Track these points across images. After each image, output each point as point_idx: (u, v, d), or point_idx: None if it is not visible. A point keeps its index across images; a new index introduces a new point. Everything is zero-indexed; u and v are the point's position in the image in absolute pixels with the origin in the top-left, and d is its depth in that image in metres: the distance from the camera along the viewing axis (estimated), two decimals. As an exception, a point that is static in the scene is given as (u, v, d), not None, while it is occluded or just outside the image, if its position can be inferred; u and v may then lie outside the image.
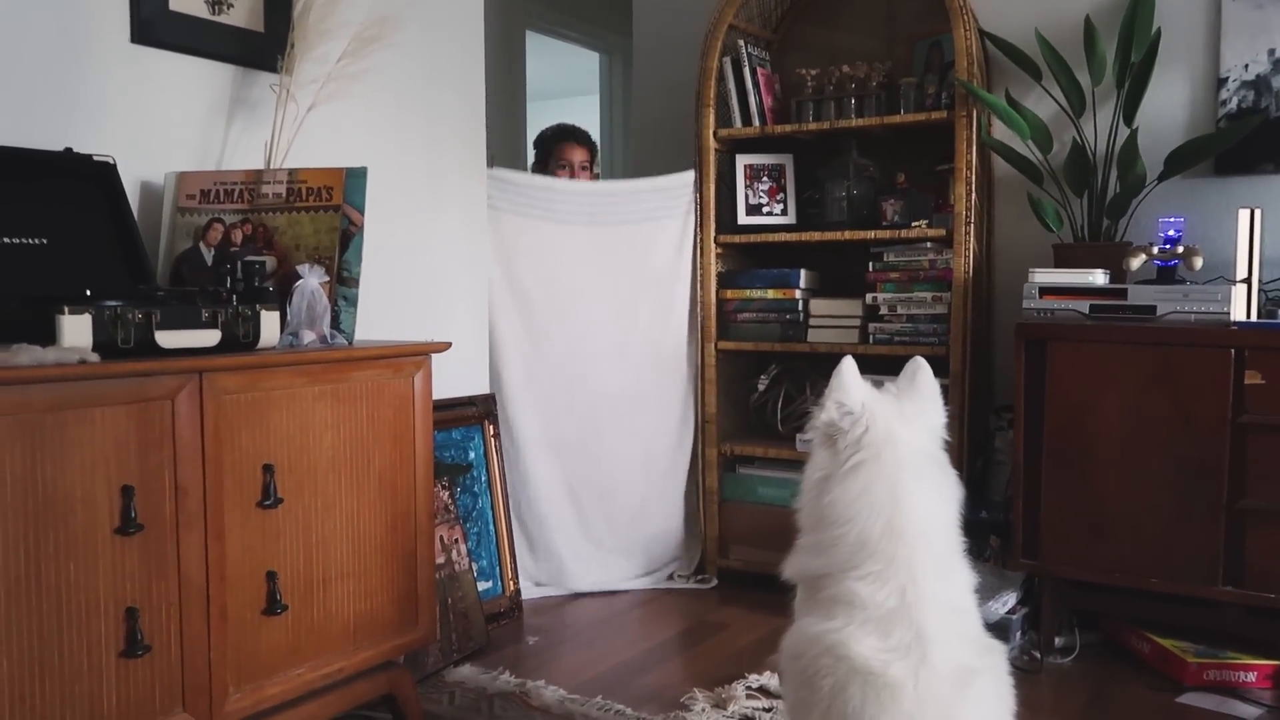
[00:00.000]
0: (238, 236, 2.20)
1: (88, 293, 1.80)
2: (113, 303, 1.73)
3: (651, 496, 3.40)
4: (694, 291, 3.39)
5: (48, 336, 1.65)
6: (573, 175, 3.51)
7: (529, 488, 3.22)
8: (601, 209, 3.28)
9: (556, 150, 3.53)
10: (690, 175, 3.37)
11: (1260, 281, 2.67)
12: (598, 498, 3.33)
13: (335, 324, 2.14)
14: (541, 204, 3.20)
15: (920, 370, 1.78)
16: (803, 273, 3.33)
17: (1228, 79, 2.91)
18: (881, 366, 3.13)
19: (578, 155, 3.52)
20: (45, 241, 1.94)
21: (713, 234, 3.37)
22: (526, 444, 3.20)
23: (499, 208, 3.12)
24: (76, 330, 1.67)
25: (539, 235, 3.19)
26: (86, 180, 2.04)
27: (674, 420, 3.40)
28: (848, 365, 1.74)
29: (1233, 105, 2.91)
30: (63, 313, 1.65)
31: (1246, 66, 2.89)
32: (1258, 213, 2.64)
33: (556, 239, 3.22)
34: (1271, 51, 2.85)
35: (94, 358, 1.64)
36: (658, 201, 3.33)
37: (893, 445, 1.68)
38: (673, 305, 3.37)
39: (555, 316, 3.23)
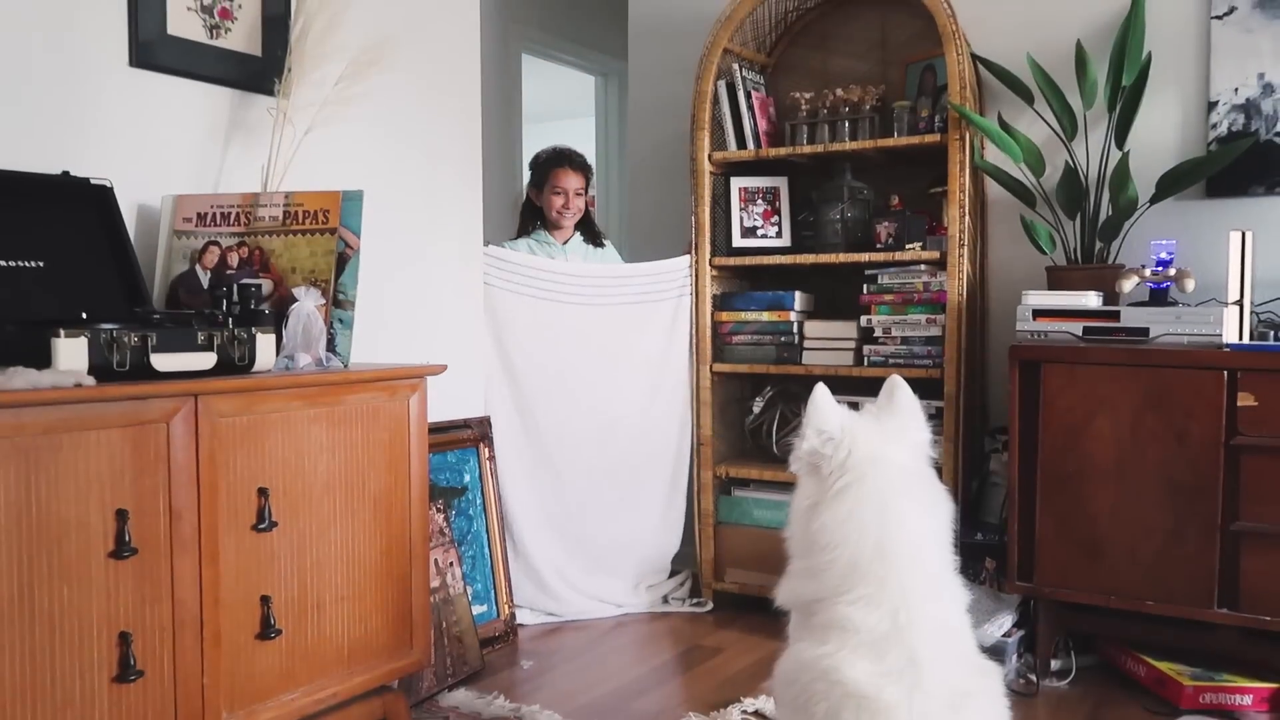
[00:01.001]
0: (234, 259, 2.21)
1: (84, 316, 1.80)
2: (109, 326, 1.73)
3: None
4: (691, 374, 3.42)
5: (43, 359, 1.65)
6: (567, 202, 3.52)
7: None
8: (596, 291, 3.31)
9: (551, 176, 3.54)
10: (685, 260, 3.40)
11: (1252, 304, 2.69)
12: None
13: (331, 347, 2.14)
14: (535, 283, 3.24)
15: (898, 388, 1.79)
16: (797, 295, 3.34)
17: (1218, 102, 2.94)
18: (876, 389, 3.13)
19: (573, 182, 3.53)
20: (42, 264, 1.94)
21: (708, 257, 3.39)
22: (518, 520, 3.21)
23: (493, 284, 3.16)
24: (72, 353, 1.67)
25: (532, 313, 3.23)
26: (83, 203, 2.05)
27: (663, 486, 3.42)
28: (821, 393, 1.75)
29: (1223, 128, 2.93)
30: (58, 336, 1.66)
31: (1236, 90, 2.91)
32: (1249, 235, 2.65)
33: (549, 317, 3.25)
34: (1261, 75, 2.88)
35: (89, 381, 1.64)
36: (651, 285, 3.37)
37: (877, 465, 1.68)
38: (660, 386, 3.39)
39: (545, 393, 3.25)
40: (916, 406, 1.78)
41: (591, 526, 3.32)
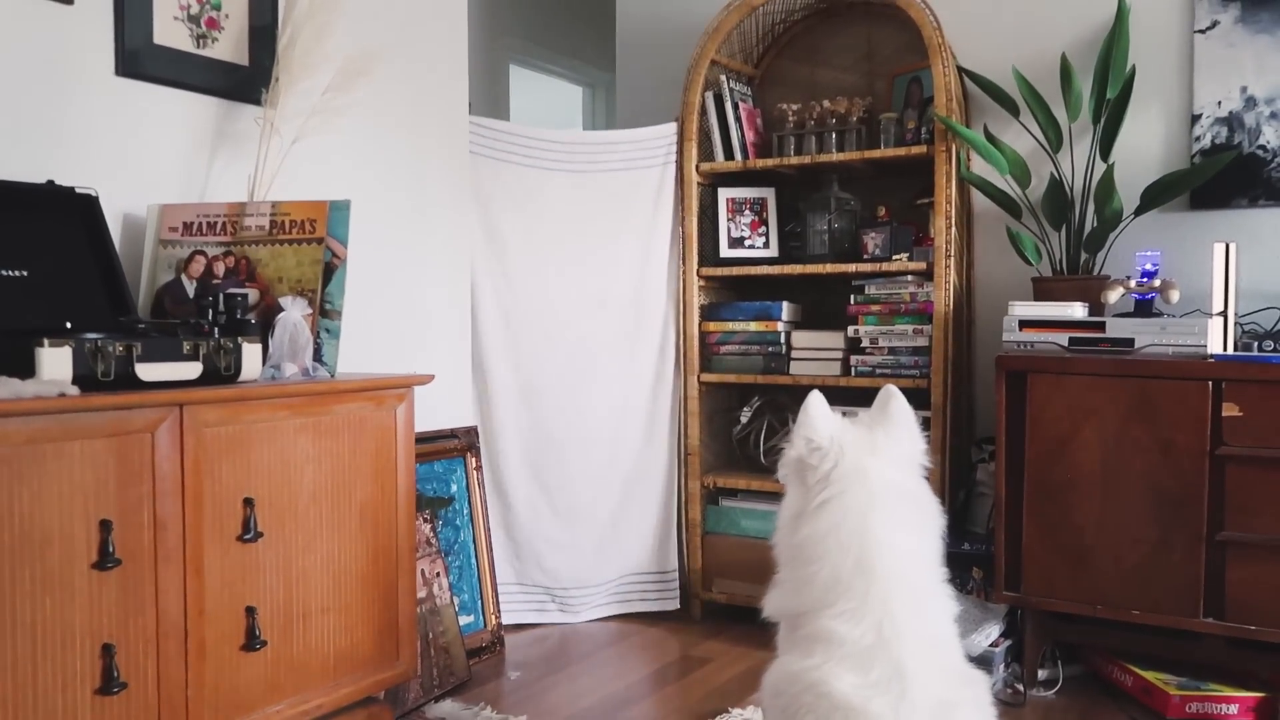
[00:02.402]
0: (220, 269, 2.20)
1: (68, 325, 1.80)
2: (93, 335, 1.72)
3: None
4: (673, 240, 3.41)
5: (27, 369, 1.64)
6: None
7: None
8: (584, 157, 3.31)
9: None
10: (670, 127, 3.39)
11: (1236, 314, 2.70)
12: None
13: (317, 356, 2.13)
14: (521, 150, 3.23)
15: (892, 399, 1.77)
16: (785, 305, 3.34)
17: (1201, 115, 2.96)
18: (863, 399, 3.14)
19: None
20: (26, 274, 1.93)
21: (695, 267, 3.39)
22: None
23: (478, 153, 3.15)
24: (56, 363, 1.66)
25: (517, 180, 3.22)
26: (69, 212, 2.04)
27: (654, 382, 3.40)
28: (815, 400, 1.74)
29: (1207, 141, 2.96)
30: (42, 345, 1.65)
31: (1220, 103, 2.94)
32: (1233, 246, 2.67)
33: (535, 183, 3.24)
34: (1244, 89, 2.90)
35: (73, 391, 1.63)
36: (637, 152, 3.37)
37: (862, 479, 1.67)
38: (650, 254, 3.39)
39: (533, 262, 3.24)
40: (910, 418, 1.77)
41: (580, 401, 3.31)
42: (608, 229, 3.34)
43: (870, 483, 1.67)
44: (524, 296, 3.25)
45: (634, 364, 3.38)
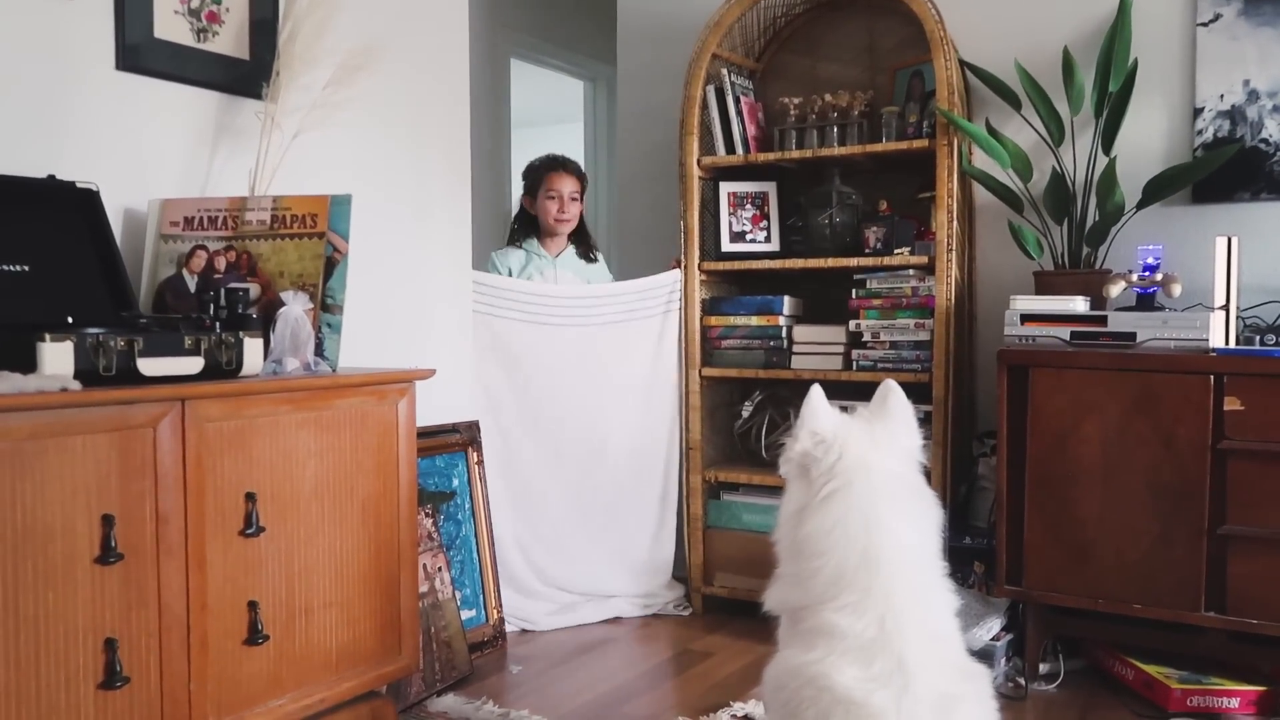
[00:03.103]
0: (221, 263, 2.20)
1: (69, 320, 1.79)
2: (95, 330, 1.72)
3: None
4: (680, 388, 3.43)
5: (29, 364, 1.64)
6: (562, 206, 3.51)
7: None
8: (583, 312, 3.33)
9: (546, 180, 3.53)
10: (672, 275, 3.41)
11: (1238, 308, 2.70)
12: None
13: (319, 351, 2.13)
14: (522, 307, 3.24)
15: (891, 393, 1.78)
16: (786, 300, 3.34)
17: (1204, 109, 2.95)
18: (865, 393, 3.14)
19: (567, 185, 3.52)
20: (27, 268, 1.93)
21: (696, 261, 3.39)
22: (512, 523, 3.22)
23: (480, 310, 3.16)
24: (58, 358, 1.66)
25: (519, 337, 3.23)
26: (69, 207, 2.04)
27: (655, 502, 3.43)
28: (817, 394, 1.75)
29: (1209, 134, 2.95)
30: (44, 340, 1.65)
31: (1222, 97, 2.93)
32: (1234, 240, 2.67)
33: (536, 340, 3.25)
34: (1246, 82, 2.90)
35: (75, 385, 1.63)
36: (637, 303, 3.38)
37: (866, 472, 1.68)
38: (650, 403, 3.40)
39: (533, 417, 3.26)
40: (909, 412, 1.77)
41: (582, 548, 3.33)
42: (610, 375, 3.36)
43: (874, 476, 1.68)
44: (524, 447, 3.26)
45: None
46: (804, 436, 1.73)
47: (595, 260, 3.63)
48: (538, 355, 3.26)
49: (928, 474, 1.82)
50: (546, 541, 3.28)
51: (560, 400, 3.29)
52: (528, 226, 3.59)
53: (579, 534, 3.33)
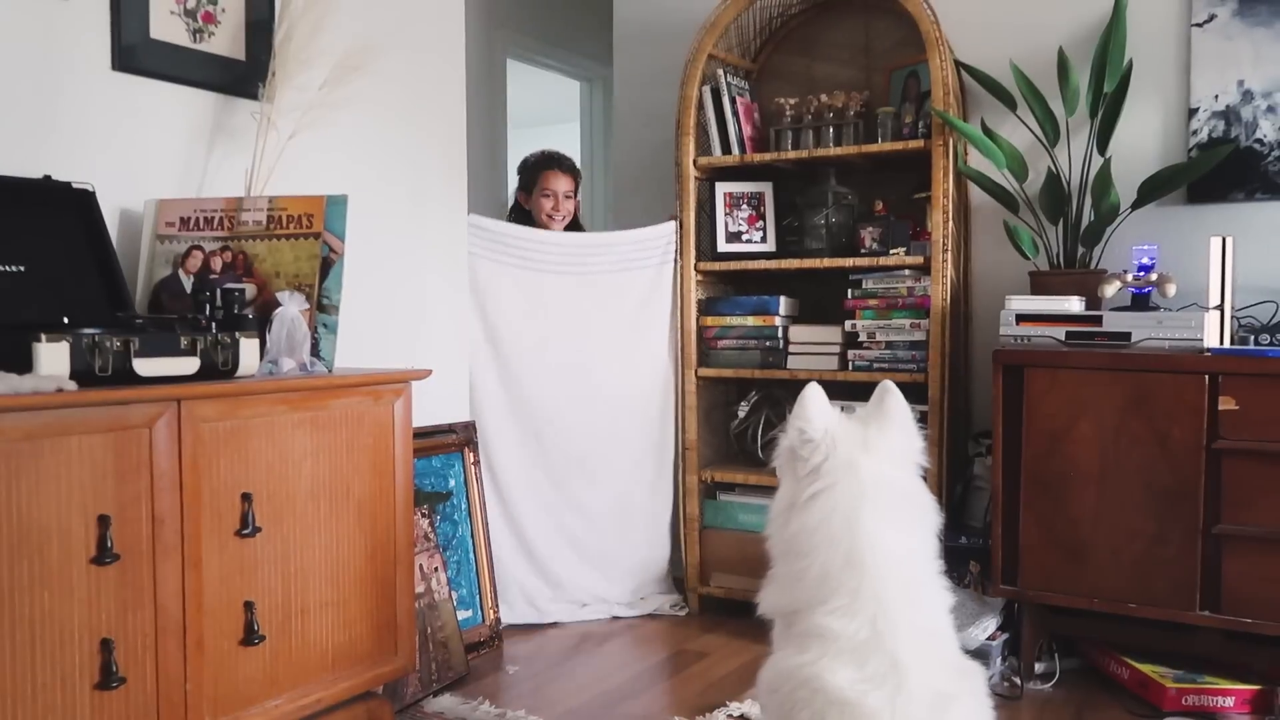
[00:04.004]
0: (217, 264, 2.20)
1: (65, 320, 1.79)
2: (90, 330, 1.72)
3: (629, 523, 3.40)
4: (673, 332, 3.42)
5: (25, 364, 1.64)
6: (556, 204, 3.52)
7: (509, 513, 3.22)
8: (578, 260, 3.32)
9: (541, 178, 3.53)
10: (669, 226, 3.40)
11: (1233, 308, 2.71)
12: (575, 525, 3.33)
13: (315, 351, 2.13)
14: (517, 251, 3.23)
15: (888, 395, 1.76)
16: (782, 300, 3.35)
17: (1198, 109, 2.96)
18: (861, 393, 3.14)
19: (562, 184, 3.53)
20: (23, 269, 1.93)
21: (693, 261, 3.39)
22: (505, 475, 3.20)
23: (476, 254, 3.15)
24: (54, 358, 1.66)
25: (513, 281, 3.22)
26: (65, 207, 2.04)
27: (650, 457, 3.41)
28: (812, 391, 1.74)
29: (1204, 135, 2.96)
30: (40, 340, 1.65)
31: (1216, 97, 2.94)
32: (1229, 240, 2.68)
33: (532, 285, 3.25)
34: (1240, 83, 2.90)
35: (71, 386, 1.63)
36: (633, 253, 3.38)
37: (852, 474, 1.67)
38: (647, 350, 3.40)
39: (530, 362, 3.25)
40: (906, 414, 1.76)
41: (579, 493, 3.32)
42: (603, 325, 3.35)
43: (861, 478, 1.67)
44: (521, 392, 3.25)
45: (630, 452, 3.40)
46: (792, 432, 1.72)
47: None
48: (532, 301, 3.26)
49: (923, 473, 1.81)
50: (539, 491, 3.28)
51: (554, 345, 3.28)
52: (523, 221, 3.60)
53: (573, 479, 3.32)
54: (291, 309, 2.09)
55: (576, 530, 3.34)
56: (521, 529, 3.25)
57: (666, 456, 3.43)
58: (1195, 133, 2.97)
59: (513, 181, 3.89)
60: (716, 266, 3.41)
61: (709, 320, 3.42)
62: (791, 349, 3.32)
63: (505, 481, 3.22)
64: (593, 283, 3.33)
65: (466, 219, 3.12)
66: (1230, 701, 2.51)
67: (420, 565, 2.67)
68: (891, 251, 3.15)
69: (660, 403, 3.42)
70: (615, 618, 3.32)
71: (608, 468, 3.35)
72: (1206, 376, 2.48)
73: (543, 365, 3.27)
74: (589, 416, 3.32)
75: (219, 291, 2.03)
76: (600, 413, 3.34)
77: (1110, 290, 2.72)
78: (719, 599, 3.37)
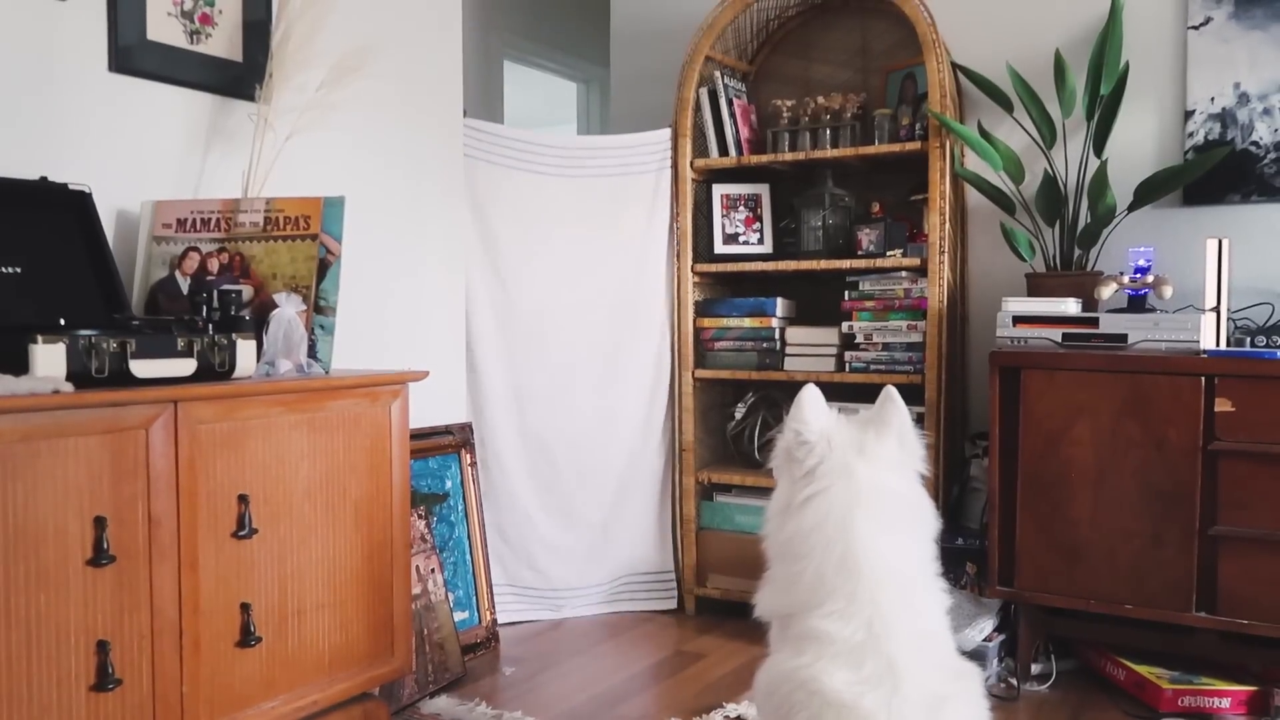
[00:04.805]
0: (214, 265, 2.20)
1: (62, 322, 1.79)
2: (87, 332, 1.72)
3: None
4: (670, 243, 3.41)
5: (21, 366, 1.64)
6: None
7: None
8: (576, 161, 3.31)
9: None
10: (664, 132, 3.39)
11: (1229, 310, 2.71)
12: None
13: (312, 353, 2.13)
14: (516, 154, 3.23)
15: (889, 400, 1.77)
16: (779, 301, 3.35)
17: (1195, 111, 2.97)
18: (858, 394, 3.15)
19: None
20: (19, 270, 1.93)
21: (689, 263, 3.39)
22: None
23: (474, 156, 3.15)
24: (50, 359, 1.66)
25: (513, 185, 3.22)
26: (62, 209, 2.04)
27: (647, 388, 3.41)
28: (809, 393, 1.74)
29: (1200, 137, 2.96)
30: (36, 342, 1.65)
31: (1213, 99, 2.94)
32: (1225, 242, 2.68)
33: (531, 188, 3.24)
34: (1237, 85, 2.91)
35: (67, 387, 1.63)
36: (632, 157, 3.37)
37: (848, 477, 1.67)
38: (645, 261, 3.39)
39: (528, 267, 3.25)
40: (905, 420, 1.76)
41: (575, 405, 3.32)
42: (603, 232, 3.34)
43: (857, 481, 1.67)
44: (519, 297, 3.25)
45: (630, 361, 3.38)
46: (788, 434, 1.72)
47: None
48: (530, 205, 3.25)
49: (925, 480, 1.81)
50: (535, 397, 3.28)
51: (552, 254, 3.27)
52: None
53: (570, 392, 3.32)
54: (288, 310, 2.09)
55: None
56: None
57: (660, 323, 3.43)
58: (1191, 135, 2.97)
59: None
60: (713, 268, 3.41)
61: (706, 322, 3.42)
62: (788, 350, 3.32)
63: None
64: (592, 184, 3.32)
65: (461, 129, 3.11)
66: (1226, 703, 2.52)
67: (417, 566, 2.67)
68: (888, 253, 3.15)
69: (661, 310, 3.41)
70: (610, 616, 3.31)
71: (602, 335, 3.36)
72: (1203, 378, 2.48)
73: (542, 271, 3.26)
74: (587, 328, 3.31)
75: (216, 293, 2.03)
76: (598, 322, 3.33)
77: (1107, 292, 2.73)
78: (716, 600, 3.37)
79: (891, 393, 1.77)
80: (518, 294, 3.25)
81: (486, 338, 3.20)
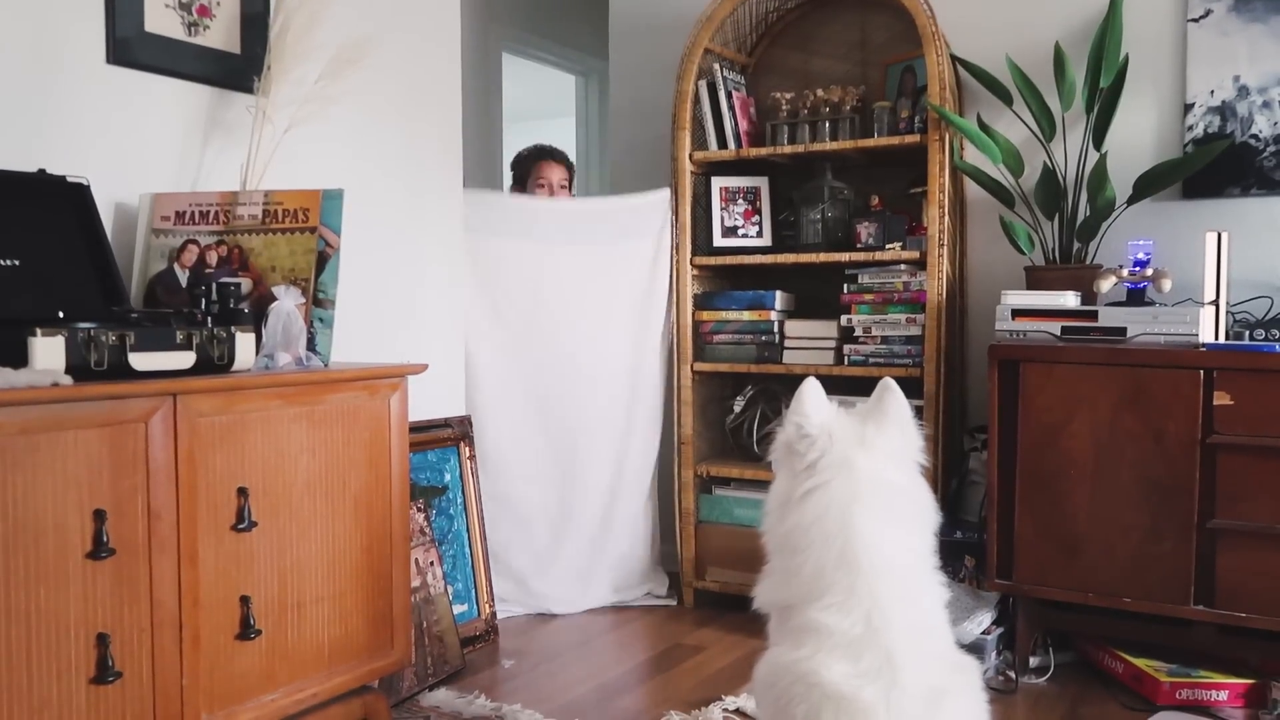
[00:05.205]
0: (213, 258, 2.20)
1: (61, 315, 1.79)
2: (86, 325, 1.72)
3: (622, 516, 3.40)
4: (669, 310, 3.40)
5: (20, 359, 1.64)
6: (551, 194, 3.51)
7: (500, 507, 3.22)
8: (576, 228, 3.29)
9: (535, 169, 3.53)
10: (664, 194, 3.38)
11: (1228, 303, 2.71)
12: (568, 517, 3.33)
13: (311, 346, 2.13)
14: (516, 223, 3.21)
15: (887, 392, 1.76)
16: (778, 294, 3.35)
17: (1194, 104, 2.96)
18: (856, 387, 3.15)
19: (556, 174, 3.53)
20: (18, 263, 1.92)
21: (688, 256, 3.39)
22: (498, 465, 3.20)
23: (474, 228, 3.13)
24: (49, 352, 1.65)
25: (514, 254, 3.20)
26: (60, 201, 2.03)
27: (645, 441, 3.40)
28: (810, 386, 1.74)
29: (1199, 130, 2.96)
30: (35, 335, 1.64)
31: (1212, 92, 2.94)
32: (1224, 236, 2.68)
33: (532, 258, 3.22)
34: (1236, 78, 2.91)
35: (67, 380, 1.63)
36: (631, 220, 3.35)
37: (848, 471, 1.67)
38: (647, 324, 3.38)
39: (529, 335, 3.23)
40: (905, 412, 1.76)
41: (574, 482, 3.32)
42: (604, 296, 3.33)
43: (857, 475, 1.67)
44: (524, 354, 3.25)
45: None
46: (789, 427, 1.72)
47: None
48: (531, 272, 3.24)
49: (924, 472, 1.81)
50: (540, 466, 3.27)
51: (554, 318, 3.27)
52: None
53: (573, 455, 3.31)
54: (287, 303, 2.09)
55: (569, 521, 3.33)
56: (515, 517, 3.25)
57: (654, 445, 3.43)
58: (1191, 128, 2.97)
59: (508, 177, 3.89)
60: (712, 261, 3.41)
61: (705, 315, 3.42)
62: (787, 344, 3.32)
63: (498, 465, 3.21)
64: (593, 252, 3.31)
65: (462, 197, 3.09)
66: (1224, 695, 2.52)
67: (416, 560, 2.67)
68: (887, 246, 3.15)
69: (658, 381, 3.41)
70: (608, 609, 3.32)
71: (602, 456, 3.35)
72: (1201, 372, 2.48)
73: (545, 336, 3.25)
74: (589, 392, 3.30)
75: (215, 286, 2.02)
76: (600, 389, 3.32)
77: (1106, 285, 2.73)
78: (714, 593, 3.37)
79: (890, 384, 1.77)
80: (519, 364, 3.24)
81: (489, 405, 3.18)
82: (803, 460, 1.70)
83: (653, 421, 3.41)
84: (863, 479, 1.67)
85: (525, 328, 3.23)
